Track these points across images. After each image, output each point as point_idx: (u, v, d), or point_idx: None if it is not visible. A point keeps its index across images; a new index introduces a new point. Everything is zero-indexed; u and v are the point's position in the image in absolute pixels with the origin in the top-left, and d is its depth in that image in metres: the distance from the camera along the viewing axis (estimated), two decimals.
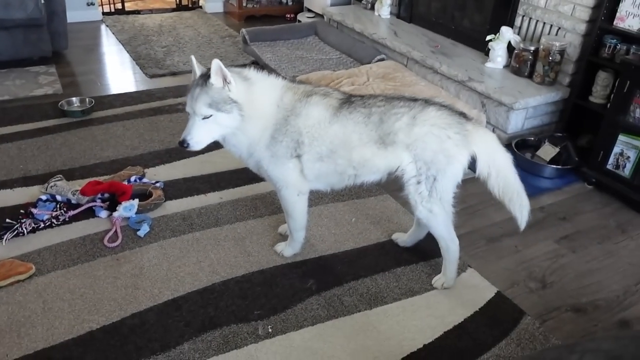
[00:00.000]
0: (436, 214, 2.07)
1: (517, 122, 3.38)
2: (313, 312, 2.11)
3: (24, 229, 2.42)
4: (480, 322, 2.11)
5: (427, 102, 2.03)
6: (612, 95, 2.99)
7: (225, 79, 1.90)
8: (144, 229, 2.49)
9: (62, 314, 2.04)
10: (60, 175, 2.79)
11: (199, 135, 1.96)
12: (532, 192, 2.08)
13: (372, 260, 2.42)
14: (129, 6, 6.31)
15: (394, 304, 2.18)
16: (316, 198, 2.77)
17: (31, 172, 2.93)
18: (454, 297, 2.23)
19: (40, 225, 2.47)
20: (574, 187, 3.11)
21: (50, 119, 3.53)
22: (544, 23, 3.55)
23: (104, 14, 6.01)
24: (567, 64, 3.44)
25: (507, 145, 2.37)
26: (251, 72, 2.05)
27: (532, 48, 3.51)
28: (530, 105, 3.33)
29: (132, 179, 2.82)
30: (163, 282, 2.22)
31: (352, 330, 2.04)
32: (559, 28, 3.46)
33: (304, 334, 2.02)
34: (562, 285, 2.34)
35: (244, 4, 6.20)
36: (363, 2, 5.30)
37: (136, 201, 2.58)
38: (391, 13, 4.96)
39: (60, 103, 3.61)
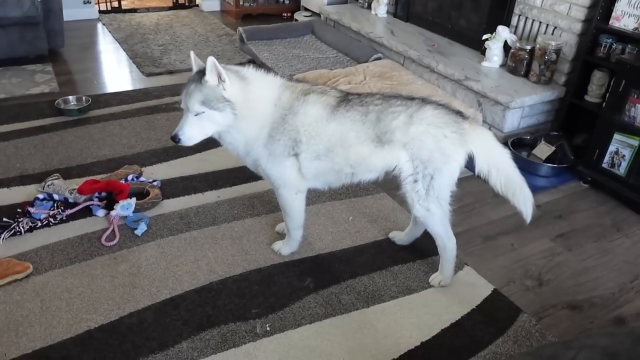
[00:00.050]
0: (433, 213, 2.08)
1: (513, 121, 3.40)
2: (311, 311, 2.12)
3: (21, 228, 2.42)
4: (477, 320, 2.12)
5: (424, 101, 2.04)
6: (607, 95, 3.01)
7: (220, 77, 1.91)
8: (142, 228, 2.49)
9: (60, 313, 2.04)
10: (57, 174, 2.79)
11: (190, 131, 1.98)
12: None
13: (370, 259, 2.43)
14: (125, 4, 6.29)
15: (392, 302, 2.19)
16: (313, 197, 2.77)
17: (28, 170, 2.93)
18: (451, 295, 2.24)
19: (37, 224, 2.46)
20: (570, 185, 3.13)
21: (47, 118, 3.52)
22: (540, 22, 3.57)
23: (100, 12, 5.99)
24: (563, 63, 3.45)
25: (504, 144, 2.37)
26: (249, 71, 2.06)
27: (528, 47, 3.52)
28: (526, 104, 3.34)
29: (130, 177, 2.82)
30: (161, 281, 2.22)
31: (350, 328, 2.05)
32: (555, 27, 3.47)
33: (302, 332, 2.02)
34: (558, 283, 2.36)
35: (241, 3, 6.20)
36: (360, 1, 5.30)
37: (133, 200, 2.58)
38: (388, 12, 4.96)
39: (56, 101, 3.61)
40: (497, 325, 2.10)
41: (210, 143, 3.19)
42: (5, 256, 2.28)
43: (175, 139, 1.98)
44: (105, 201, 2.65)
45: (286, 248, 2.40)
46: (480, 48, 3.93)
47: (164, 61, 4.66)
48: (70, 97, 3.71)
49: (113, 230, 2.47)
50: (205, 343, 1.95)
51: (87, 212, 2.60)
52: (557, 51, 3.39)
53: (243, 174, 2.91)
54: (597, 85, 3.24)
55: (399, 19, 4.87)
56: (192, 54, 2.03)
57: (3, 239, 2.37)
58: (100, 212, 2.59)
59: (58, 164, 3.00)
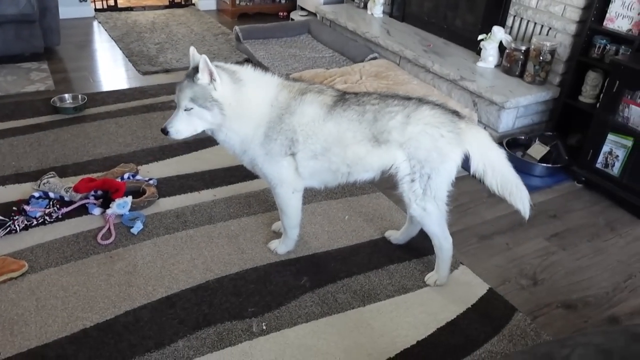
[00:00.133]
0: (430, 212, 2.09)
1: (508, 121, 3.41)
2: (307, 309, 2.13)
3: (16, 226, 2.41)
4: (472, 319, 2.13)
5: (421, 101, 2.05)
6: (601, 95, 3.03)
7: (211, 76, 1.92)
8: (138, 227, 2.49)
9: (56, 311, 2.04)
10: (53, 172, 2.78)
11: (179, 126, 2.01)
12: None
13: (365, 258, 2.43)
14: (121, 3, 6.27)
15: (387, 301, 2.20)
16: (310, 196, 2.78)
17: (23, 168, 2.92)
18: (447, 294, 2.25)
19: (32, 223, 2.46)
20: (564, 185, 3.15)
21: (43, 116, 3.51)
22: (535, 23, 3.59)
23: (96, 10, 5.97)
24: (558, 64, 3.47)
25: (499, 144, 2.39)
26: (246, 72, 2.05)
27: (523, 48, 3.54)
28: (521, 104, 3.36)
29: (126, 176, 2.82)
30: (157, 280, 2.22)
31: (346, 327, 2.06)
32: (550, 28, 3.49)
33: (298, 330, 2.03)
34: (553, 282, 2.38)
35: (237, 2, 6.20)
36: (356, 0, 5.31)
37: (130, 198, 2.58)
38: (384, 12, 4.97)
39: (52, 99, 3.60)
40: (493, 324, 2.11)
41: (206, 141, 3.23)
42: (1, 254, 2.27)
43: (164, 131, 2.02)
44: (101, 199, 2.65)
45: (282, 247, 2.41)
46: (475, 48, 3.94)
47: (160, 60, 4.65)
48: (66, 95, 3.70)
49: (109, 228, 2.46)
50: (201, 342, 1.95)
51: (83, 210, 2.60)
52: (552, 52, 3.40)
53: (239, 173, 2.91)
54: (591, 85, 3.26)
55: (395, 19, 4.88)
56: (192, 49, 2.02)
57: None
58: (96, 211, 2.59)
59: (54, 162, 3.00)
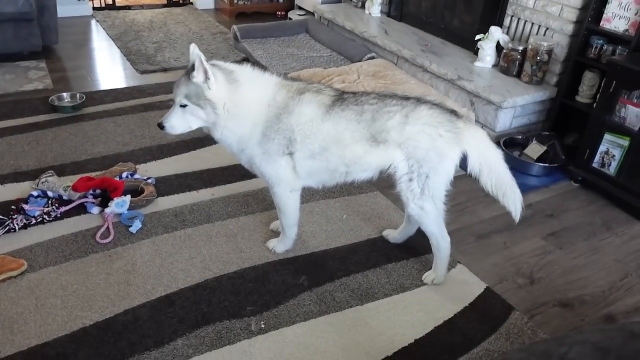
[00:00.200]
0: (428, 212, 2.10)
1: (506, 120, 3.43)
2: (305, 308, 2.14)
3: (15, 225, 2.41)
4: (470, 318, 2.14)
5: (419, 100, 2.05)
6: (598, 95, 3.04)
7: (206, 76, 1.93)
8: (137, 226, 2.49)
9: (55, 310, 2.04)
10: (52, 172, 2.78)
11: (174, 121, 2.05)
12: (520, 190, 2.11)
13: (364, 257, 2.44)
14: (119, 2, 6.26)
15: (385, 299, 2.21)
16: (308, 195, 2.79)
17: (22, 168, 2.92)
18: (444, 293, 2.26)
19: (31, 222, 2.46)
20: (561, 185, 3.16)
21: (41, 115, 3.51)
22: (533, 23, 3.60)
23: (94, 9, 5.96)
24: (555, 64, 3.49)
25: (496, 144, 2.40)
26: (244, 72, 2.06)
27: (521, 48, 3.55)
28: (518, 104, 3.37)
29: (124, 175, 2.82)
30: (156, 279, 2.23)
31: (344, 326, 2.07)
32: (547, 29, 3.50)
33: (296, 329, 2.04)
34: (550, 281, 2.39)
35: (235, 1, 6.19)
36: (354, 0, 5.31)
37: (128, 197, 2.59)
38: (382, 12, 4.98)
39: (51, 98, 3.60)
40: (490, 323, 2.12)
41: (204, 141, 3.24)
42: (0, 253, 2.27)
43: (160, 125, 2.07)
44: (100, 199, 2.65)
45: (281, 246, 2.42)
46: (473, 48, 3.95)
47: (158, 59, 4.65)
48: (65, 94, 3.70)
49: (108, 227, 2.47)
50: (200, 340, 1.96)
51: (81, 209, 2.60)
52: (549, 52, 3.42)
53: (238, 172, 2.92)
54: (588, 86, 3.27)
55: (393, 18, 4.89)
56: (192, 46, 2.01)
57: None
58: (95, 210, 2.59)
59: (52, 161, 3.00)
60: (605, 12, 3.11)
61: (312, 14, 5.54)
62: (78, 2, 5.72)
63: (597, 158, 2.99)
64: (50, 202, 2.59)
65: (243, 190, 2.87)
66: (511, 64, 3.62)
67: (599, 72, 3.21)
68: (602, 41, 3.18)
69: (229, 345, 1.95)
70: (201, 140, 3.26)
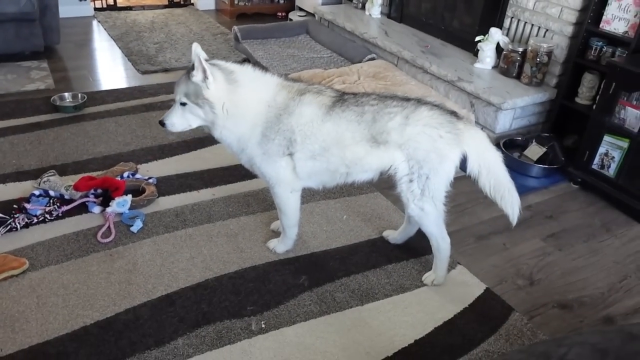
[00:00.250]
0: (428, 212, 2.11)
1: (505, 122, 3.44)
2: (305, 308, 2.14)
3: (17, 224, 2.42)
4: (469, 318, 2.15)
5: (420, 101, 2.06)
6: (597, 97, 3.05)
7: (204, 75, 1.94)
8: (137, 225, 2.50)
9: (56, 309, 2.05)
10: (53, 171, 2.79)
11: (174, 119, 2.08)
12: (520, 191, 2.12)
13: (364, 257, 2.45)
14: (120, 2, 6.27)
15: (385, 300, 2.22)
16: (308, 195, 2.80)
17: (24, 167, 2.93)
18: (444, 293, 2.27)
19: (33, 220, 2.47)
20: (560, 186, 3.17)
21: (43, 114, 3.52)
22: (532, 25, 3.61)
23: (95, 9, 5.97)
24: (554, 66, 3.50)
25: (495, 145, 2.41)
26: (244, 72, 2.06)
27: (520, 49, 3.56)
28: (518, 105, 3.38)
29: (125, 174, 2.83)
30: (157, 278, 2.24)
31: (344, 326, 2.07)
32: (547, 30, 3.51)
33: (296, 329, 2.04)
34: (549, 283, 2.40)
35: (236, 2, 6.20)
36: (354, 1, 5.32)
37: (129, 197, 2.60)
38: (382, 13, 4.99)
39: (52, 98, 3.61)
40: (490, 323, 2.13)
41: (205, 141, 3.25)
42: (1, 252, 2.28)
43: (161, 122, 2.10)
44: (101, 198, 2.66)
45: (281, 246, 2.42)
46: (473, 49, 3.97)
47: (159, 59, 4.66)
48: (66, 94, 3.71)
49: (109, 227, 2.48)
50: (200, 340, 1.97)
51: (83, 208, 2.61)
52: (549, 53, 3.43)
53: (238, 172, 2.93)
54: (587, 87, 3.28)
55: (393, 19, 4.90)
56: (194, 45, 2.00)
57: None
58: (96, 209, 2.60)
59: (54, 161, 3.01)
60: (605, 13, 3.12)
61: (313, 14, 5.55)
62: (79, 2, 5.73)
63: (597, 159, 3.00)
64: (51, 201, 2.59)
65: (243, 190, 2.87)
66: (511, 65, 3.63)
67: (599, 74, 3.22)
68: (601, 43, 3.19)
69: (229, 345, 1.95)
70: (202, 140, 3.27)
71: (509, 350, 2.00)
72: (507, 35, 3.77)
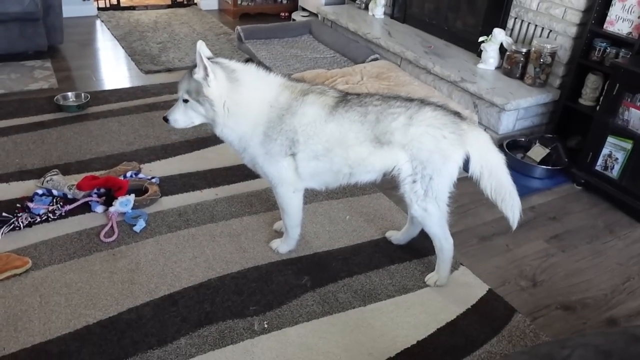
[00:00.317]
0: (431, 213, 2.10)
1: (509, 123, 3.43)
2: (308, 308, 2.14)
3: (20, 223, 2.42)
4: (472, 319, 2.15)
5: (423, 102, 2.06)
6: (601, 98, 3.05)
7: (205, 73, 1.95)
8: (140, 225, 2.50)
9: (59, 308, 2.05)
10: (56, 170, 2.80)
11: (177, 115, 2.10)
12: (523, 192, 2.12)
13: (366, 258, 2.45)
14: (124, 2, 6.28)
15: (388, 300, 2.21)
16: (311, 196, 2.79)
17: (27, 166, 2.93)
18: (447, 294, 2.27)
19: (36, 220, 2.47)
20: (564, 187, 3.17)
21: (46, 114, 3.52)
22: (536, 25, 3.60)
23: (99, 9, 5.98)
24: (558, 66, 3.49)
25: (499, 146, 2.41)
26: (247, 71, 2.06)
27: (524, 50, 3.55)
28: (521, 106, 3.38)
29: (128, 174, 2.83)
30: (159, 278, 2.24)
31: (347, 326, 2.07)
32: (550, 31, 3.51)
33: (299, 329, 2.04)
34: (552, 284, 2.39)
35: (239, 2, 6.21)
36: (357, 1, 5.32)
37: (132, 196, 2.60)
38: (385, 13, 4.98)
39: (55, 97, 3.61)
40: (492, 324, 2.13)
41: (208, 140, 3.25)
42: (5, 251, 2.28)
43: (165, 118, 2.12)
44: (104, 197, 2.66)
45: (284, 246, 2.42)
46: (476, 50, 3.96)
47: (162, 59, 4.67)
48: (69, 94, 3.72)
49: (112, 226, 2.48)
50: (203, 339, 1.97)
51: (86, 208, 2.61)
52: (552, 54, 3.42)
53: (241, 172, 2.93)
54: (591, 88, 3.28)
55: (396, 20, 4.89)
56: (199, 43, 2.01)
57: (2, 233, 2.38)
58: (99, 208, 2.60)
59: (57, 160, 3.01)
60: (609, 14, 3.11)
61: (316, 15, 5.55)
62: (83, 2, 5.74)
63: (600, 161, 2.99)
64: (54, 200, 2.59)
65: (246, 190, 2.87)
66: (514, 66, 3.62)
67: (602, 75, 3.21)
68: (605, 43, 3.18)
69: (231, 345, 1.95)
70: (205, 140, 3.28)
71: (512, 352, 2.00)
72: (510, 35, 3.76)
